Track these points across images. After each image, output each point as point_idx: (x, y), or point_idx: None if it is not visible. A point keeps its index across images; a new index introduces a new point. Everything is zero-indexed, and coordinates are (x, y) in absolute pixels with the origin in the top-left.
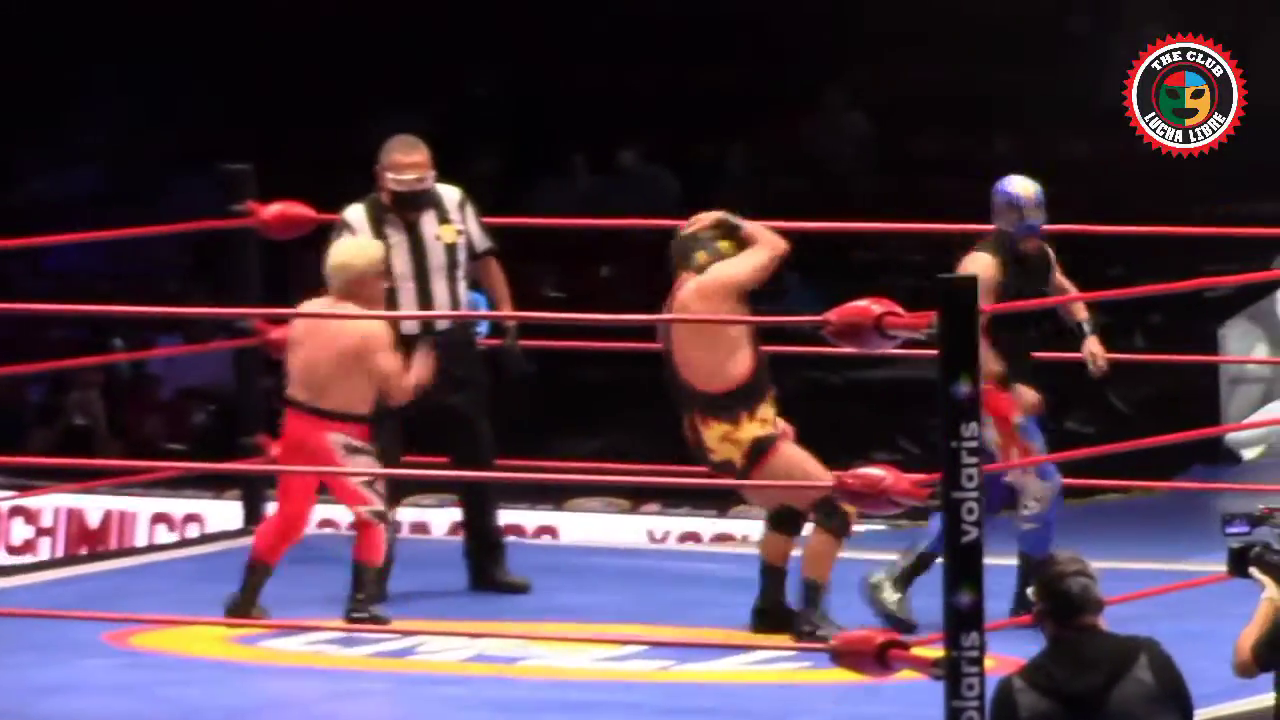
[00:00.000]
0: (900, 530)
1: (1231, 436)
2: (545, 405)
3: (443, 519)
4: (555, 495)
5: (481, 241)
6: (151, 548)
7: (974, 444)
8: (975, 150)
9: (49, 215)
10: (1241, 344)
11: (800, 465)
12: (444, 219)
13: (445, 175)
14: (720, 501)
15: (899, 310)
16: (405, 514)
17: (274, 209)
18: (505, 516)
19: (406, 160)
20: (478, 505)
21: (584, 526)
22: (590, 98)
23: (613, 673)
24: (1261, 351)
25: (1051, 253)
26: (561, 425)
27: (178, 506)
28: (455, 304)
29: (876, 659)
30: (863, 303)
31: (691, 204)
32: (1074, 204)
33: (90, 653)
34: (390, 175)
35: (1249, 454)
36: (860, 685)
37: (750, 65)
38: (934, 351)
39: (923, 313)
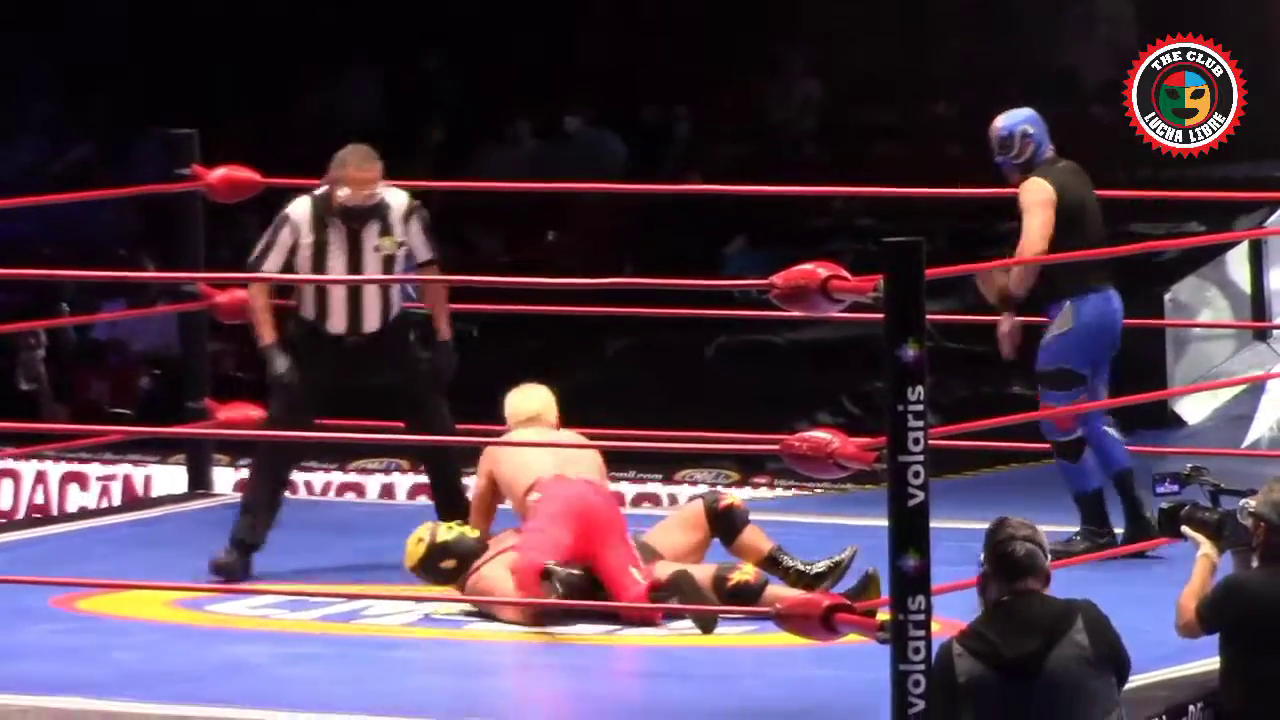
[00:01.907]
0: (845, 494)
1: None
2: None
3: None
4: None
5: (423, 251)
6: (97, 511)
7: (919, 408)
8: (919, 116)
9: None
10: (1194, 299)
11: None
12: (386, 230)
13: (392, 142)
14: (670, 466)
15: (845, 274)
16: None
17: (219, 173)
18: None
19: (360, 175)
20: (442, 473)
21: None
22: (535, 62)
23: (559, 636)
24: (1215, 304)
25: (1021, 194)
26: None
27: (123, 471)
28: (386, 314)
29: (823, 623)
30: (809, 266)
31: (638, 169)
32: None
33: (37, 618)
34: (343, 188)
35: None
36: (806, 648)
37: (698, 30)
38: (880, 315)
39: (869, 276)
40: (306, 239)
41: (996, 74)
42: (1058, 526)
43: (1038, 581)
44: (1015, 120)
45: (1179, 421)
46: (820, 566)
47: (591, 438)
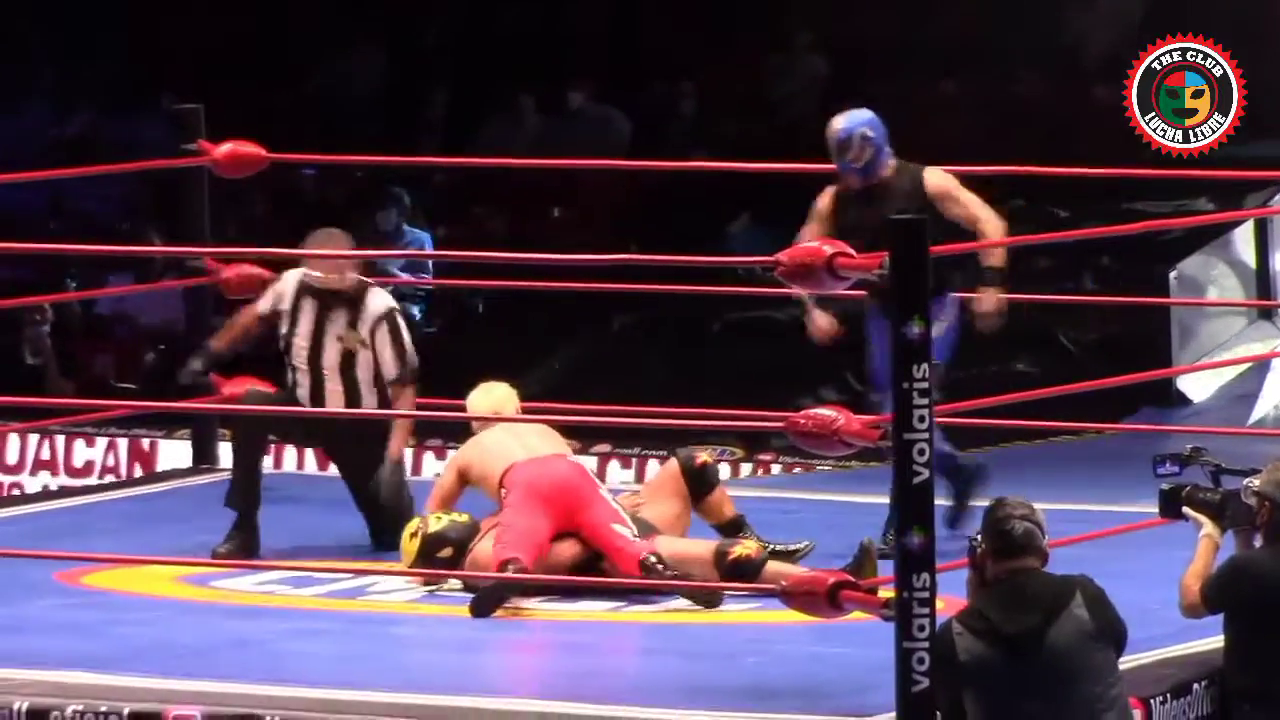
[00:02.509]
0: (849, 471)
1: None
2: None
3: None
4: None
5: (390, 367)
6: (102, 486)
7: (925, 385)
8: (924, 93)
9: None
10: (1199, 277)
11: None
12: (353, 323)
13: (396, 116)
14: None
15: (850, 251)
16: None
17: (225, 148)
18: None
19: (327, 263)
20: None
21: None
22: (537, 37)
23: (562, 613)
24: (1221, 282)
25: (934, 185)
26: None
27: (129, 445)
28: (351, 404)
29: (828, 600)
30: (814, 243)
31: (643, 145)
32: (1025, 146)
33: (42, 592)
34: (311, 268)
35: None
36: (810, 625)
37: (703, 5)
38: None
39: (874, 254)
40: (284, 305)
41: (1002, 51)
42: (1061, 505)
43: (1035, 559)
44: (855, 122)
45: (1183, 400)
46: (775, 547)
47: (596, 414)
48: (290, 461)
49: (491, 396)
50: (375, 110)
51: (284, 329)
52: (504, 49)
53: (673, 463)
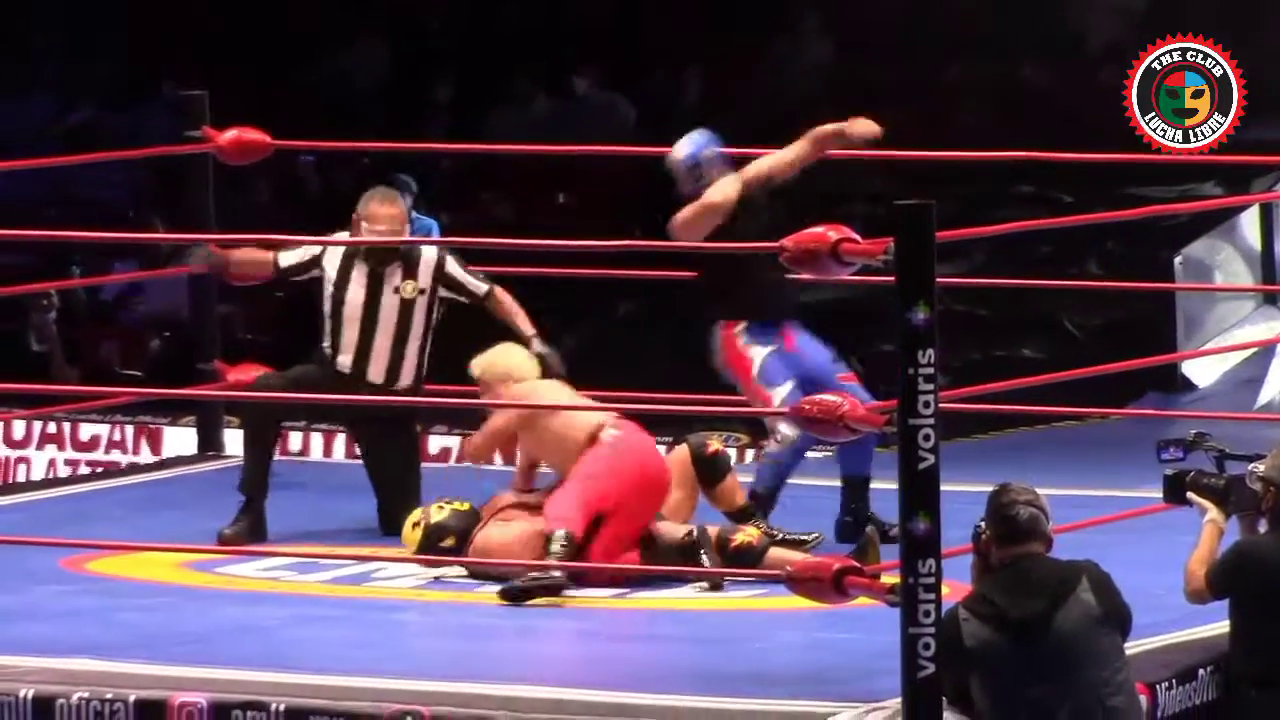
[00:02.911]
0: None
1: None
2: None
3: None
4: None
5: (476, 286)
6: (107, 473)
7: (930, 370)
8: (930, 79)
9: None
10: (1205, 261)
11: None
12: (410, 274)
13: (401, 104)
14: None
15: (855, 237)
16: None
17: (230, 135)
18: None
19: (383, 211)
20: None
21: None
22: (542, 24)
23: (568, 600)
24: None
25: None
26: None
27: (134, 432)
28: (395, 370)
29: (833, 585)
30: (819, 229)
31: (648, 131)
32: (1030, 131)
33: (47, 579)
34: (365, 225)
35: None
36: (816, 611)
37: None
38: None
39: (879, 239)
40: (330, 270)
41: (1007, 37)
42: (1066, 490)
43: (1040, 544)
44: (697, 146)
45: (1189, 385)
46: (785, 536)
47: (601, 399)
48: (298, 448)
49: (524, 356)
50: (381, 97)
51: (330, 289)
52: (509, 35)
53: (683, 449)
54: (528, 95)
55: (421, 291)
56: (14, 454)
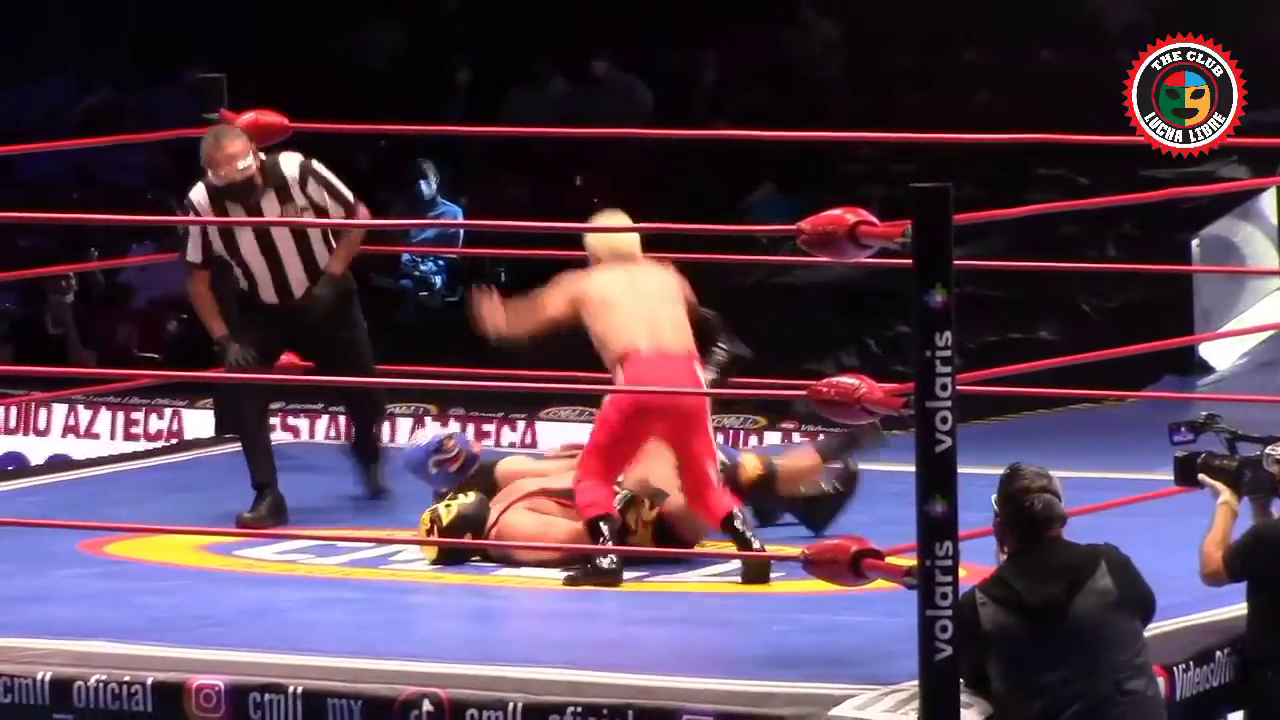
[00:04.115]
0: None
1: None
2: None
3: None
4: (530, 404)
5: (334, 210)
6: (125, 456)
7: (948, 353)
8: (946, 62)
9: (24, 126)
10: (1224, 242)
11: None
12: (286, 198)
13: (419, 86)
14: None
15: (873, 219)
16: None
17: (248, 117)
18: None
19: (219, 155)
20: (361, 416)
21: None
22: (560, 6)
23: (583, 582)
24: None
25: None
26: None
27: (151, 415)
28: (312, 278)
29: (850, 568)
30: (836, 212)
31: (665, 114)
32: (1046, 113)
33: (65, 561)
34: (209, 171)
35: None
36: (834, 594)
37: None
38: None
39: (896, 222)
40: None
41: (1023, 19)
42: (1083, 473)
43: (1056, 528)
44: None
45: (1206, 367)
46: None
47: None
48: (316, 431)
49: (620, 235)
50: (399, 80)
51: (223, 247)
52: (526, 18)
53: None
54: (545, 78)
55: (304, 209)
56: (32, 436)
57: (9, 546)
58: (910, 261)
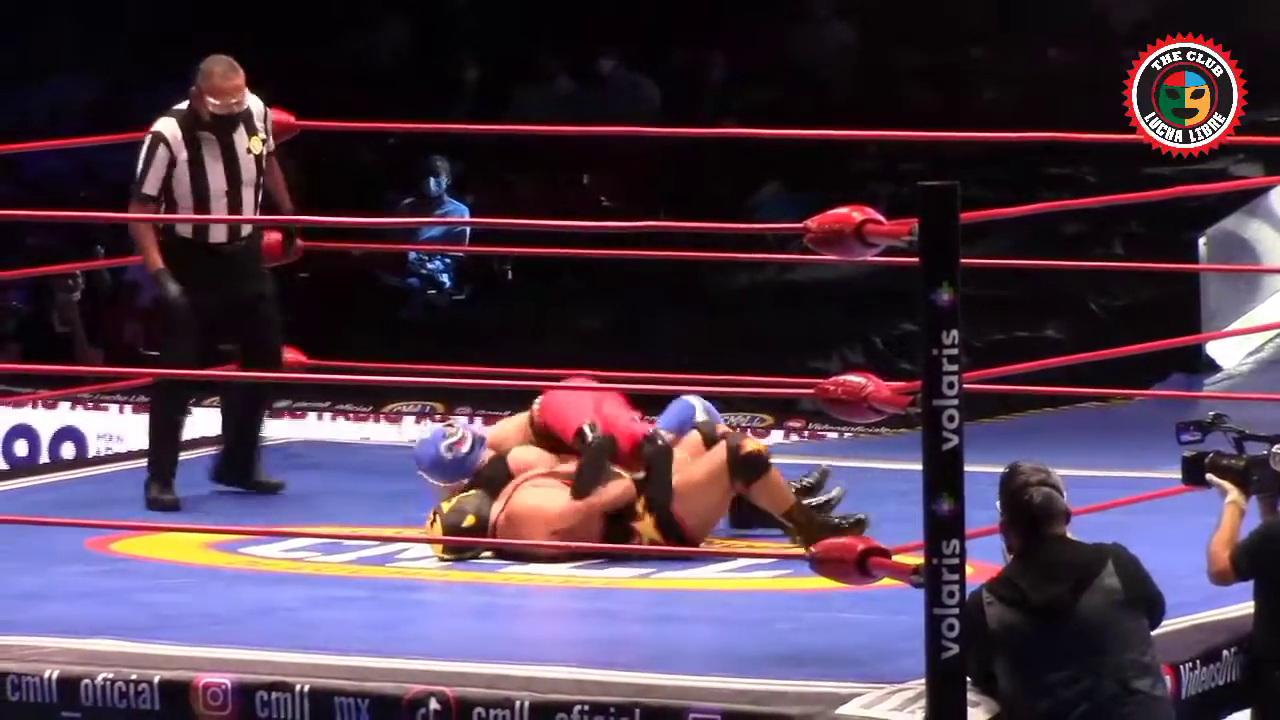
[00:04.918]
0: (879, 438)
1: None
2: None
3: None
4: None
5: (272, 144)
6: (131, 454)
7: (954, 351)
8: (952, 60)
9: (30, 123)
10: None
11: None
12: (253, 131)
13: (426, 82)
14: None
15: (880, 218)
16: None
17: None
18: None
19: (228, 84)
20: (249, 404)
21: None
22: (569, 4)
23: (593, 580)
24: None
25: None
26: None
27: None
28: (269, 209)
29: (857, 566)
30: (843, 210)
31: (672, 112)
32: (1053, 112)
33: (71, 559)
34: (211, 99)
35: None
36: (840, 592)
37: None
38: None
39: (903, 220)
40: (181, 155)
41: (1029, 18)
42: (1090, 471)
43: (1060, 524)
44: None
45: (1213, 366)
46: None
47: (624, 380)
48: (323, 430)
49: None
50: (406, 78)
51: (187, 178)
52: (533, 15)
53: (720, 453)
54: (552, 76)
55: (264, 141)
56: (38, 434)
57: (15, 544)
58: (917, 260)
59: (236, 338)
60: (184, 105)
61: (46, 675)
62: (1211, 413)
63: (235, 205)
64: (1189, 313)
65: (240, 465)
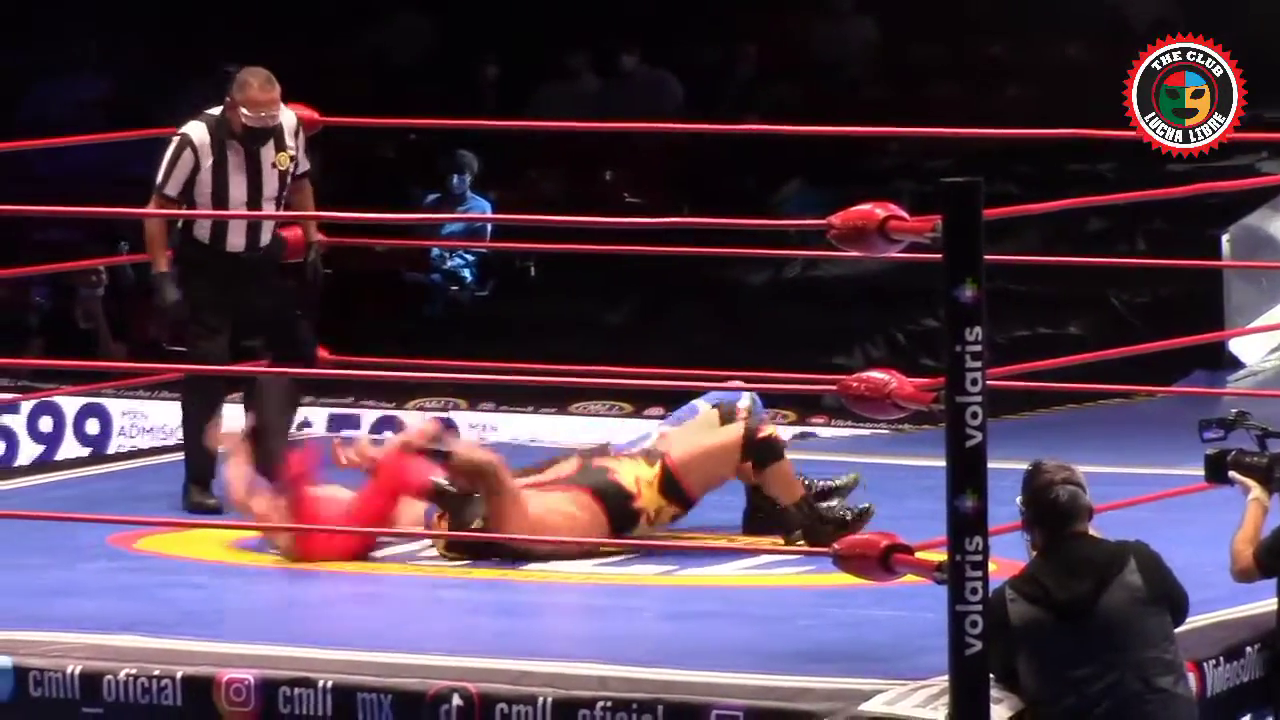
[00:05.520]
0: (903, 435)
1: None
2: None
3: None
4: (559, 398)
5: (304, 163)
6: (156, 450)
7: (978, 347)
8: (974, 57)
9: (53, 119)
10: (1257, 234)
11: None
12: (281, 146)
13: (449, 79)
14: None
15: (903, 214)
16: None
17: None
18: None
19: (264, 97)
20: (267, 405)
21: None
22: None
23: (614, 577)
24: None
25: None
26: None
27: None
28: (275, 230)
29: (880, 563)
30: (867, 206)
31: (695, 108)
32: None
33: (96, 556)
34: (245, 110)
35: None
36: (863, 588)
37: None
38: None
39: (927, 217)
40: (206, 161)
41: (1050, 15)
42: (1113, 468)
43: (1084, 522)
44: None
45: (1236, 363)
46: (820, 486)
47: (646, 377)
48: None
49: None
50: (428, 75)
51: (209, 184)
52: (556, 12)
53: (737, 430)
54: (575, 73)
55: (293, 158)
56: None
57: (39, 541)
58: (941, 256)
59: (267, 346)
60: (216, 111)
61: (69, 671)
62: (1234, 410)
63: (253, 220)
64: (1212, 310)
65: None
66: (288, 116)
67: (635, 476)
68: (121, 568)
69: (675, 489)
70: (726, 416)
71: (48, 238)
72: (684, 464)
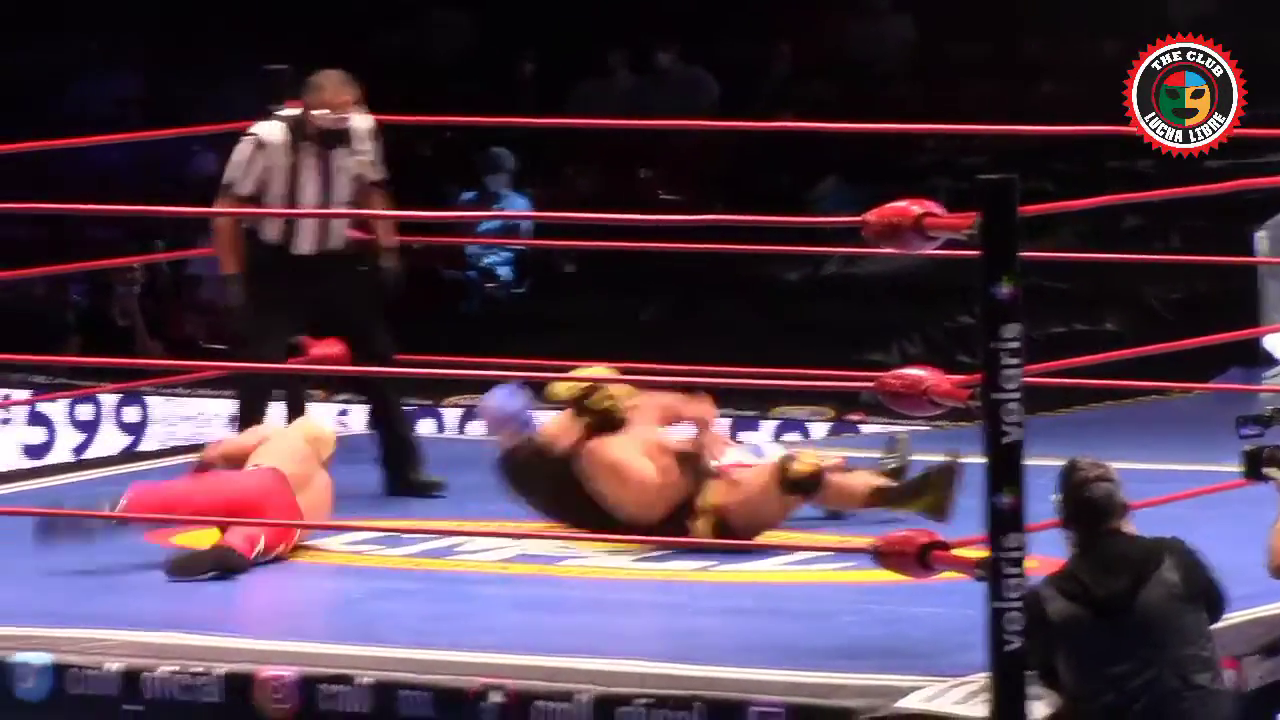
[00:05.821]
0: (940, 431)
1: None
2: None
3: None
4: None
5: (379, 171)
6: (193, 447)
7: (1015, 345)
8: (1011, 54)
9: (92, 116)
10: None
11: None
12: (354, 151)
13: (485, 76)
14: (765, 402)
15: (939, 211)
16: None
17: None
18: None
19: (338, 100)
20: (384, 407)
21: None
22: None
23: (652, 573)
24: None
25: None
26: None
27: (218, 407)
28: (341, 227)
29: (918, 560)
30: (902, 203)
31: (731, 106)
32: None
33: (132, 552)
34: (318, 112)
35: None
36: (902, 585)
37: None
38: (975, 252)
39: (963, 214)
40: (281, 162)
41: (1087, 11)
42: (1150, 465)
43: (1120, 519)
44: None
45: (1270, 359)
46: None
47: (683, 374)
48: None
49: None
50: (465, 72)
51: (281, 188)
52: (593, 9)
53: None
54: (611, 70)
55: (370, 163)
56: (99, 428)
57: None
58: (977, 253)
59: (351, 348)
60: (290, 112)
61: (109, 668)
62: (1270, 407)
63: (323, 221)
64: (1247, 306)
65: (402, 469)
66: (362, 121)
67: (702, 502)
68: (160, 564)
69: (727, 534)
70: (782, 468)
71: (89, 235)
72: (733, 514)
